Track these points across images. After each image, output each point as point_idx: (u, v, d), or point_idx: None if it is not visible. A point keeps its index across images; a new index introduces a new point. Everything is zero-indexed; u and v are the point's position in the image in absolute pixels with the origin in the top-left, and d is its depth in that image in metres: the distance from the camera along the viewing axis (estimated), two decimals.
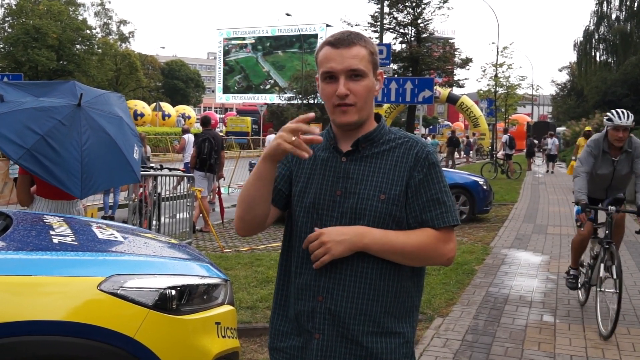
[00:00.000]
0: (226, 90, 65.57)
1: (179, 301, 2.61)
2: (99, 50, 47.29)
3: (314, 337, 1.70)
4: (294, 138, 1.56)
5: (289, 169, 1.80)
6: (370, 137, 1.74)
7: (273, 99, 55.20)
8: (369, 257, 1.67)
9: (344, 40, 1.68)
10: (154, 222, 7.99)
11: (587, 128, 17.36)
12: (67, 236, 2.92)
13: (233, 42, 64.80)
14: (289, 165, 1.81)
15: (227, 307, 2.91)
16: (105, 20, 54.65)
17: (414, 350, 1.76)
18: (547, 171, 24.68)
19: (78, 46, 45.25)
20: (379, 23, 23.87)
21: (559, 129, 34.25)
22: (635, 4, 39.22)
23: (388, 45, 13.55)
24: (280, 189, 1.79)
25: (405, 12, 31.41)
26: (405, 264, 1.68)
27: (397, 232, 1.66)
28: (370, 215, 1.66)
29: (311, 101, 47.22)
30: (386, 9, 29.85)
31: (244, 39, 64.23)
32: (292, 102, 48.60)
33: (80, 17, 47.57)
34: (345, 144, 1.75)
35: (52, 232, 2.95)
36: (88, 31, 46.17)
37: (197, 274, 2.87)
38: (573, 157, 17.90)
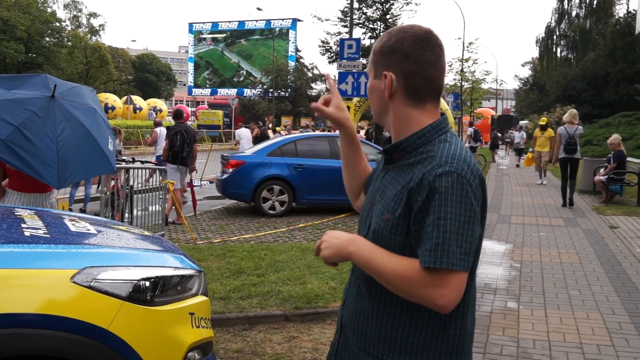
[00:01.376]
0: (197, 88, 64.84)
1: (153, 292, 2.63)
2: (69, 43, 46.55)
3: (335, 335, 1.72)
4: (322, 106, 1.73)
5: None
6: (400, 147, 1.57)
7: (242, 92, 54.97)
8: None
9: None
10: (126, 215, 7.98)
11: (543, 120, 17.02)
12: (39, 229, 2.90)
13: (201, 36, 64.03)
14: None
15: (201, 298, 2.93)
16: (75, 12, 53.94)
17: None
18: (517, 165, 24.69)
19: (47, 39, 44.50)
20: (348, 18, 24.00)
21: (521, 122, 35.01)
22: (594, 2, 40.19)
23: (358, 40, 13.70)
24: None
25: (374, 7, 31.73)
26: (390, 289, 1.48)
27: (387, 253, 1.47)
28: (375, 235, 1.54)
29: (282, 93, 47.12)
30: (355, 5, 30.03)
31: (212, 33, 63.54)
32: (262, 96, 48.47)
33: (49, 10, 46.74)
34: None
35: (23, 225, 2.93)
36: (57, 24, 45.40)
37: (171, 265, 2.89)
38: (531, 149, 17.86)
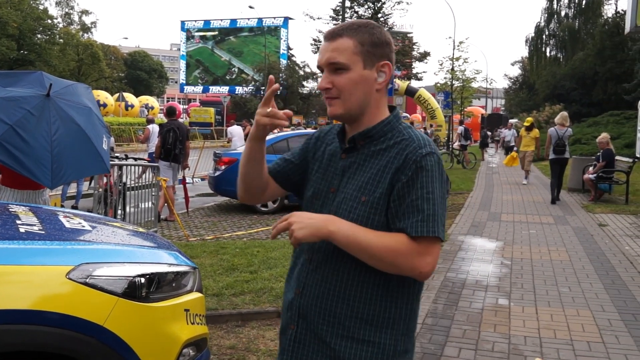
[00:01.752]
0: (189, 85, 64.39)
1: (148, 289, 2.63)
2: (61, 40, 46.32)
3: (290, 327, 1.70)
4: (269, 109, 1.59)
5: (304, 160, 1.81)
6: (368, 134, 1.65)
7: (234, 90, 54.82)
8: (345, 261, 1.60)
9: (330, 33, 1.65)
10: (119, 212, 7.97)
11: (528, 121, 16.55)
12: (34, 225, 2.89)
13: (190, 34, 63.58)
14: (305, 157, 1.81)
15: (195, 295, 2.95)
16: (66, 10, 53.77)
17: None
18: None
19: (39, 36, 44.25)
20: (340, 16, 24.08)
21: (511, 120, 35.29)
22: (583, 2, 40.49)
23: None
24: (287, 171, 1.82)
25: (366, 6, 31.91)
26: (373, 265, 1.54)
27: (369, 230, 1.54)
28: (350, 217, 1.58)
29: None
30: (347, 3, 30.16)
31: (203, 30, 63.17)
32: (254, 93, 48.45)
33: (41, 7, 46.45)
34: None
35: (18, 222, 2.92)
36: (49, 21, 45.17)
37: (165, 261, 2.90)
38: (515, 149, 17.47)
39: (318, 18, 33.97)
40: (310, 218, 1.55)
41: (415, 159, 1.55)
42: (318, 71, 1.65)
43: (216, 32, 62.48)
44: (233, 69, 62.11)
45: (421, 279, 1.56)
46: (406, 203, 1.53)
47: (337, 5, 31.67)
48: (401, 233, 1.52)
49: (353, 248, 1.53)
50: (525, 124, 16.52)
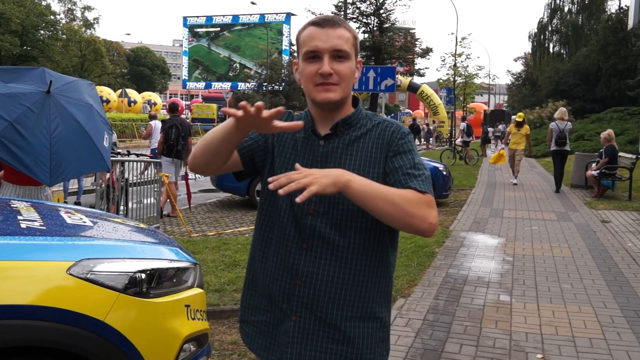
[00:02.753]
0: (192, 82, 64.04)
1: (148, 284, 2.64)
2: (63, 36, 46.42)
3: (290, 318, 1.70)
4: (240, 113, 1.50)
5: (269, 143, 1.78)
6: (348, 121, 1.72)
7: (237, 86, 54.74)
8: (350, 241, 1.66)
9: (330, 21, 1.66)
10: (122, 207, 7.98)
11: (519, 116, 15.33)
12: (35, 221, 2.90)
13: (195, 30, 63.25)
14: (271, 140, 1.78)
15: (196, 290, 2.94)
16: (69, 6, 53.89)
17: (389, 334, 1.79)
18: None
19: (42, 32, 44.36)
20: (342, 13, 24.04)
21: (514, 117, 35.22)
22: None
23: None
24: (253, 149, 1.78)
25: (368, 2, 31.90)
26: (385, 214, 1.55)
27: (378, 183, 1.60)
28: (347, 199, 1.61)
29: (276, 88, 47.05)
30: None
31: (205, 27, 62.92)
32: (256, 89, 48.45)
33: (43, 3, 46.51)
34: (324, 127, 1.73)
35: (19, 217, 2.92)
36: (52, 17, 45.23)
37: (166, 257, 2.90)
38: (503, 146, 15.88)
39: (320, 14, 34.09)
40: (325, 173, 1.50)
41: (400, 136, 1.70)
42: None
43: (210, 29, 61.93)
44: (234, 65, 61.89)
45: (429, 231, 1.58)
46: (404, 170, 1.64)
47: (339, 1, 31.61)
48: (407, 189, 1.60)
49: (370, 195, 1.53)
50: (517, 118, 15.30)
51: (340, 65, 1.64)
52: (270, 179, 1.48)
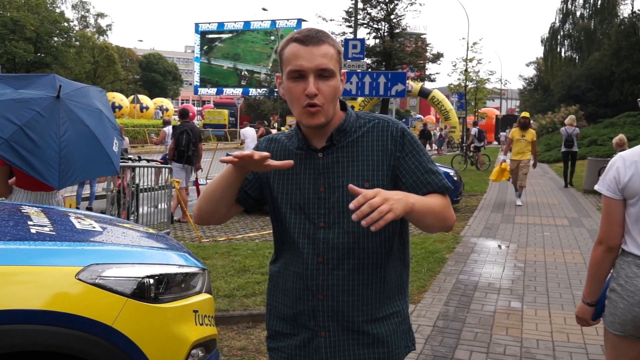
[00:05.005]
0: (203, 87, 63.71)
1: (157, 290, 2.64)
2: (77, 42, 46.91)
3: (319, 335, 1.71)
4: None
5: (257, 175, 1.80)
6: (342, 129, 1.71)
7: (248, 92, 54.88)
8: (364, 247, 1.67)
9: (313, 38, 1.60)
10: (132, 213, 8.03)
11: (525, 113, 12.53)
12: (45, 226, 2.92)
13: (208, 36, 63.13)
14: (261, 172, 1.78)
15: (204, 296, 2.94)
16: (82, 13, 54.52)
17: (410, 324, 1.84)
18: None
19: (56, 38, 44.85)
20: (353, 18, 24.10)
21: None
22: (599, 2, 40.11)
23: (362, 40, 13.63)
24: (247, 191, 1.81)
25: (379, 7, 31.91)
26: (429, 226, 1.62)
27: (423, 197, 1.62)
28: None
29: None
30: (360, 5, 30.14)
31: (217, 33, 62.92)
32: (268, 95, 48.59)
33: (57, 10, 47.06)
34: (318, 140, 1.71)
35: (30, 222, 2.94)
36: (65, 24, 45.72)
37: (175, 263, 2.90)
38: (504, 158, 12.65)
39: (331, 20, 34.07)
40: (396, 195, 1.45)
41: (400, 134, 1.69)
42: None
43: (222, 35, 61.37)
44: (243, 73, 61.64)
45: (451, 228, 1.69)
46: (420, 171, 1.67)
47: (350, 7, 31.64)
48: (433, 194, 1.66)
49: (424, 213, 1.57)
50: (523, 115, 12.51)
51: (324, 85, 1.61)
52: (351, 206, 1.39)
